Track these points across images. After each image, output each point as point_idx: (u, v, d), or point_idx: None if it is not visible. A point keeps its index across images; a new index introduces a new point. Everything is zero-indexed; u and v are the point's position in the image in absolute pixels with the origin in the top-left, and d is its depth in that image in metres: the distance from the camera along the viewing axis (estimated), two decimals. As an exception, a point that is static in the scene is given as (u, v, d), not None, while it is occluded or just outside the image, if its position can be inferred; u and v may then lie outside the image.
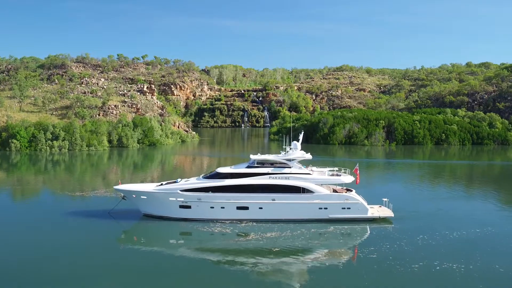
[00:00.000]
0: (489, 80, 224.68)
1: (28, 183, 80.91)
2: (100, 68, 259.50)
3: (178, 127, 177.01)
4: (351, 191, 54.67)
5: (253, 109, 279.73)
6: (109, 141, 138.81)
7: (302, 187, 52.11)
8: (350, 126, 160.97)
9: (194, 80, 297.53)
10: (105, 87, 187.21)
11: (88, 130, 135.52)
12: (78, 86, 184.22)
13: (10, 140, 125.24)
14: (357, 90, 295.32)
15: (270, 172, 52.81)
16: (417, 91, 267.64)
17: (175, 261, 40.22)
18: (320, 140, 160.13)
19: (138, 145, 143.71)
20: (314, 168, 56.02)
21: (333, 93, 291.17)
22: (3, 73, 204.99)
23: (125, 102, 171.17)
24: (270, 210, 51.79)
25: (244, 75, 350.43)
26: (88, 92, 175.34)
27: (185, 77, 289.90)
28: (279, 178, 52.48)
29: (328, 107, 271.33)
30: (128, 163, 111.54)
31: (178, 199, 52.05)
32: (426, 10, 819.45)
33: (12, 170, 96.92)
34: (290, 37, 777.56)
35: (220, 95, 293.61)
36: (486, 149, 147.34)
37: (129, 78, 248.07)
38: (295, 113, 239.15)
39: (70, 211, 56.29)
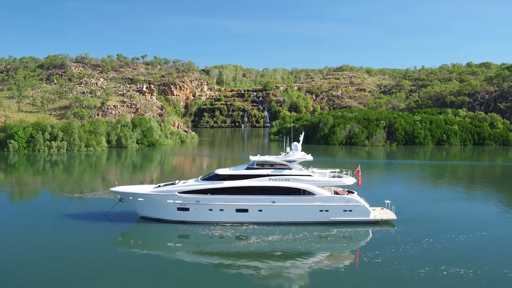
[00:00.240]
0: (490, 80, 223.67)
1: (25, 184, 79.89)
2: (100, 68, 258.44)
3: (178, 128, 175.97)
4: (353, 193, 53.60)
5: (253, 109, 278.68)
6: (108, 142, 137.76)
7: (303, 189, 51.04)
8: (351, 126, 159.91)
9: (194, 80, 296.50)
10: (104, 87, 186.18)
11: (87, 130, 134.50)
12: (77, 86, 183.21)
13: (8, 141, 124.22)
14: (357, 90, 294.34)
15: (270, 173, 51.73)
16: (417, 91, 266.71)
17: (172, 264, 39.22)
18: (320, 140, 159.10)
19: (137, 145, 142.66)
20: (315, 170, 54.95)
21: (333, 93, 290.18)
22: (2, 73, 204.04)
23: (124, 102, 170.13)
24: (270, 212, 50.73)
25: (244, 75, 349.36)
26: (87, 92, 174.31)
27: (184, 77, 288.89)
28: (279, 180, 51.39)
29: (328, 107, 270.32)
30: (127, 164, 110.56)
31: (176, 201, 50.99)
32: (426, 10, 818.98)
33: (9, 171, 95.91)
34: (290, 37, 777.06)
35: (220, 95, 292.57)
36: (488, 150, 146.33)
37: (129, 78, 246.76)
38: (295, 113, 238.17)
39: (66, 213, 55.28)
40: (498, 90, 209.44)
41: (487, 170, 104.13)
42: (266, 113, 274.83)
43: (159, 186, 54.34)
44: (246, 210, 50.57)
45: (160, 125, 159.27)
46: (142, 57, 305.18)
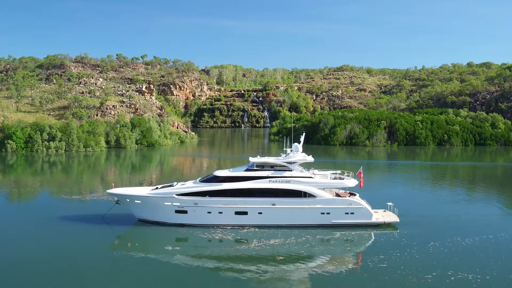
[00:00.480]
0: (491, 80, 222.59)
1: (23, 186, 78.74)
2: (99, 68, 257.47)
3: (177, 128, 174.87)
4: (355, 195, 52.42)
5: (253, 109, 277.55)
6: (107, 142, 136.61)
7: (304, 191, 49.93)
8: (351, 126, 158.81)
9: (193, 80, 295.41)
10: (103, 87, 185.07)
11: (86, 130, 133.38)
12: (76, 86, 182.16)
13: (6, 141, 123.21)
14: (357, 90, 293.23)
15: (270, 175, 50.58)
16: (418, 91, 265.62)
17: (170, 269, 38.14)
18: (320, 140, 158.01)
19: (136, 146, 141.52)
20: (316, 171, 53.79)
21: (334, 93, 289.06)
22: (1, 73, 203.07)
23: (123, 102, 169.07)
24: (270, 215, 49.60)
25: (244, 75, 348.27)
26: (86, 92, 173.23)
27: (184, 77, 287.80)
28: (279, 181, 50.26)
29: (329, 108, 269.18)
30: (126, 165, 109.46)
31: (174, 203, 49.89)
32: (426, 10, 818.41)
33: (7, 172, 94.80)
34: (290, 37, 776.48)
35: (220, 95, 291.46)
36: (489, 150, 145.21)
37: (128, 78, 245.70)
38: (295, 114, 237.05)
39: (63, 216, 54.15)
40: (499, 90, 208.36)
41: (489, 171, 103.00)
42: (266, 113, 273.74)
43: (157, 188, 53.18)
44: (245, 213, 49.46)
45: (159, 125, 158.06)
46: (141, 57, 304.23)
